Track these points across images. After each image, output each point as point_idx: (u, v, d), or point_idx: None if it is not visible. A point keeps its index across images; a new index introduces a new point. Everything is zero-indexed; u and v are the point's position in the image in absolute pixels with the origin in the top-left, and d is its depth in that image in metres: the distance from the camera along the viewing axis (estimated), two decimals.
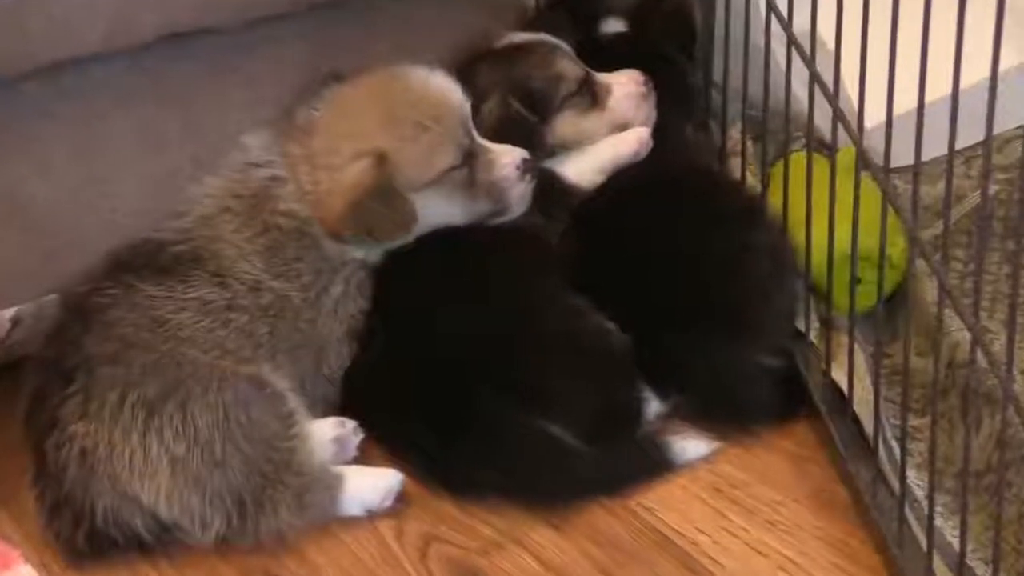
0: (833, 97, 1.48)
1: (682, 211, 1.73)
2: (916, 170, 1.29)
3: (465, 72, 1.78)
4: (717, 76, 1.90)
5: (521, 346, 1.60)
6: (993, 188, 1.75)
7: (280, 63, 1.75)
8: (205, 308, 1.59)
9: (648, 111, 1.89)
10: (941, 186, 1.66)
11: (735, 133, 1.91)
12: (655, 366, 1.64)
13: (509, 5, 1.96)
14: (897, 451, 1.47)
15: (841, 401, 1.56)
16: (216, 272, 1.62)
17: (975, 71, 1.14)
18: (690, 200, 1.75)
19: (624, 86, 1.87)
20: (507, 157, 1.72)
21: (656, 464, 1.60)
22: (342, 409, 1.66)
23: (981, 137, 1.16)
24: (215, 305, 1.60)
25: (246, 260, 1.64)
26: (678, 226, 1.70)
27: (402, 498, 1.59)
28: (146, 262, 1.61)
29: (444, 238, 1.69)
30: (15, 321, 1.69)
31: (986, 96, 1.11)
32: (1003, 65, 1.13)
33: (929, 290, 1.59)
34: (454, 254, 1.68)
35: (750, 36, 1.76)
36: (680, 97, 1.94)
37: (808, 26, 1.56)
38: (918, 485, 1.47)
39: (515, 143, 1.74)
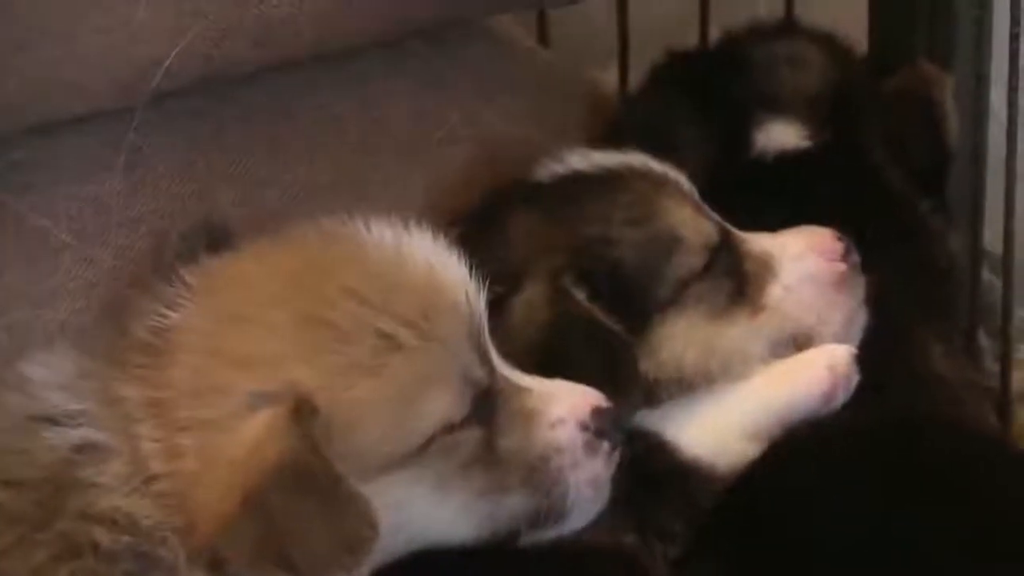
0: None
1: (928, 513, 1.31)
2: None
3: (480, 232, 1.39)
4: (992, 242, 1.66)
5: None
6: None
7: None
8: None
9: (852, 310, 1.43)
10: None
11: None
12: None
13: (570, 91, 1.56)
14: None
15: None
16: None
17: None
18: (942, 493, 1.33)
19: (801, 259, 1.44)
20: (561, 405, 1.29)
21: None
22: None
23: None
24: None
25: None
26: (921, 542, 1.28)
27: None
28: None
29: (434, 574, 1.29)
30: None
31: None
32: None
33: None
34: None
35: None
36: (918, 282, 1.53)
37: None
38: None
39: (579, 376, 1.31)
